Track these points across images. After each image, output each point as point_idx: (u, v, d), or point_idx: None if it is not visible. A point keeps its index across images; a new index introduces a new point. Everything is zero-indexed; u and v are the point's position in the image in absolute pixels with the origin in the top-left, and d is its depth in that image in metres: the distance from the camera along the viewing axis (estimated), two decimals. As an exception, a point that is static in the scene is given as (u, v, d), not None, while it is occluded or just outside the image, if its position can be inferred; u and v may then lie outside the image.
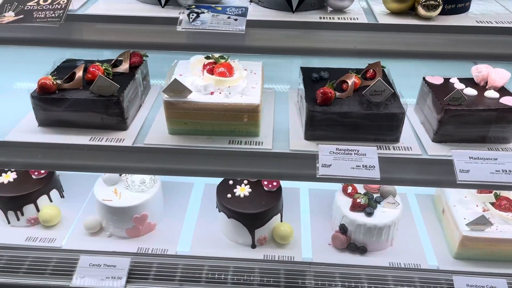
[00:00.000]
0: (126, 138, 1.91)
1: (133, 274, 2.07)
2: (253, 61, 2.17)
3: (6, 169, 2.34)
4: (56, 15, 1.68)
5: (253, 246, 2.22)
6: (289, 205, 2.43)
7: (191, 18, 1.61)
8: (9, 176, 2.30)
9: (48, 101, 1.90)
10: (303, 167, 1.85)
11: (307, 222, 2.39)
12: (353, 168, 1.76)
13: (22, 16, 1.68)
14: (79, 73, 1.98)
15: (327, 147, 1.81)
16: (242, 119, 1.90)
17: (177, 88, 1.86)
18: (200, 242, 2.25)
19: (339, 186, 2.36)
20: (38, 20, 1.66)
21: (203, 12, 1.64)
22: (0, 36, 1.69)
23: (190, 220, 2.39)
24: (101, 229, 2.28)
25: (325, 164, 1.78)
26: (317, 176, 1.75)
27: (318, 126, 1.89)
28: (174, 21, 1.62)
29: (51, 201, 2.35)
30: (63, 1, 1.74)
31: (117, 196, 2.18)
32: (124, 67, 2.10)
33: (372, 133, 1.87)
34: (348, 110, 1.83)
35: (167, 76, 2.12)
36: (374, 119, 1.83)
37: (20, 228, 2.30)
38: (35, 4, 1.74)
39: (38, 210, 2.29)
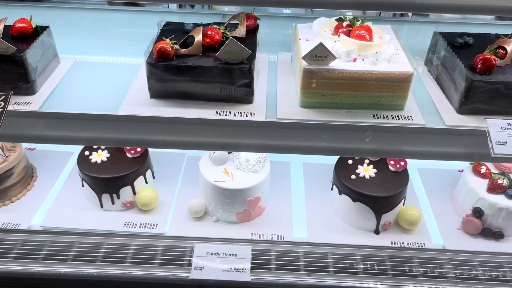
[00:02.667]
0: (256, 112, 1.67)
1: (254, 263, 1.87)
2: (381, 24, 1.93)
3: (96, 147, 2.11)
4: None
5: (377, 232, 2.02)
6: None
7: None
8: (101, 155, 2.06)
9: (167, 68, 1.64)
10: (463, 144, 1.63)
11: (426, 205, 2.19)
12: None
13: None
14: (198, 37, 1.71)
15: (498, 121, 1.57)
16: (391, 89, 1.66)
17: (319, 54, 1.61)
18: (316, 227, 2.04)
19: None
20: None
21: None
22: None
23: (298, 202, 2.18)
24: (205, 213, 2.07)
25: (499, 142, 1.55)
26: (492, 156, 1.53)
27: (477, 98, 1.65)
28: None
29: (146, 182, 2.12)
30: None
31: (229, 177, 1.95)
32: (241, 31, 1.84)
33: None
34: (515, 79, 1.59)
35: (293, 42, 1.87)
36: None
37: (115, 213, 2.08)
38: None
39: (134, 192, 2.07)
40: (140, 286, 1.85)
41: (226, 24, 1.89)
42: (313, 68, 1.64)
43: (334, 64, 1.65)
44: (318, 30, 1.83)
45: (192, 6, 2.90)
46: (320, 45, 1.61)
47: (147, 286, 1.85)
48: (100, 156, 2.06)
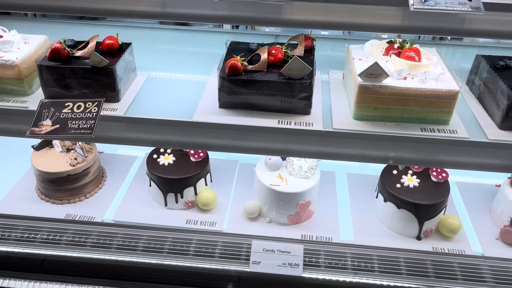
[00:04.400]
0: (314, 123, 1.87)
1: (305, 261, 2.04)
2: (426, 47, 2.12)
3: (163, 151, 2.34)
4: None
5: (419, 238, 2.17)
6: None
7: (421, -2, 1.56)
8: (168, 158, 2.29)
9: (237, 82, 1.87)
10: (505, 157, 1.79)
11: (465, 216, 2.33)
12: None
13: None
14: (264, 55, 1.94)
15: (541, 137, 1.74)
16: (438, 105, 1.84)
17: (374, 72, 1.81)
18: (362, 231, 2.21)
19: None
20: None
21: (433, -8, 1.58)
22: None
23: (343, 209, 2.35)
24: (259, 215, 2.26)
25: (541, 156, 1.71)
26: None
27: (519, 116, 1.82)
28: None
29: (206, 184, 2.34)
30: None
31: (283, 182, 2.15)
32: (300, 50, 2.06)
33: None
34: None
35: (347, 61, 2.08)
36: None
37: (177, 211, 2.30)
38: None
39: (196, 193, 2.28)
40: (202, 276, 2.05)
41: (286, 44, 2.11)
42: (368, 84, 1.84)
43: (387, 81, 1.85)
44: (370, 51, 2.04)
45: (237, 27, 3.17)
46: (375, 64, 1.81)
47: (208, 277, 2.04)
48: (167, 159, 2.29)
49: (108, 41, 2.00)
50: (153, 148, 2.38)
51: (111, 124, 1.88)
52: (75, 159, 2.26)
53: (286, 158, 2.25)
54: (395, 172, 2.23)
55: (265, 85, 1.89)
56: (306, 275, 1.98)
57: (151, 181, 2.28)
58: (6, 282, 2.12)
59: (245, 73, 1.92)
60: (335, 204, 2.38)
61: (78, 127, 1.78)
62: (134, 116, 1.88)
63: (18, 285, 2.11)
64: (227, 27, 3.33)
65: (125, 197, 2.37)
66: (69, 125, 1.79)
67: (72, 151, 2.32)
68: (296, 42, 2.11)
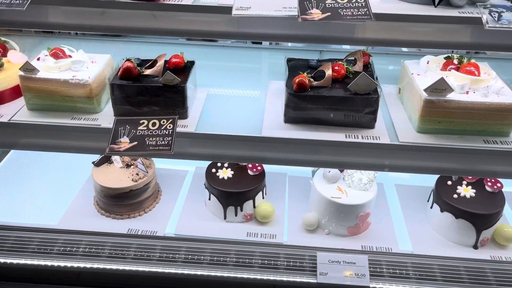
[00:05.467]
0: (380, 136, 1.93)
1: (370, 271, 2.09)
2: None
3: (221, 165, 2.39)
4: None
5: (475, 247, 2.22)
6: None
7: (494, 17, 1.64)
8: (227, 172, 2.34)
9: (305, 98, 1.93)
10: None
11: (514, 224, 2.39)
12: None
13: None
14: (328, 71, 2.00)
15: None
16: (499, 118, 1.91)
17: (439, 87, 1.88)
18: (418, 241, 2.26)
19: None
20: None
21: (503, 12, 1.66)
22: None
23: (397, 218, 2.41)
24: (317, 227, 2.31)
25: None
26: None
27: None
28: (449, 19, 1.68)
29: (263, 197, 2.39)
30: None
31: (344, 194, 2.20)
32: (359, 66, 2.13)
33: None
34: None
35: (400, 76, 2.16)
36: None
37: (236, 224, 2.34)
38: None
39: (254, 206, 2.33)
40: (268, 288, 2.10)
41: (344, 60, 2.19)
42: (434, 99, 1.91)
43: (451, 96, 1.92)
44: (426, 66, 2.11)
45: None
46: (441, 79, 1.89)
47: (274, 289, 2.09)
48: (225, 173, 2.35)
49: (174, 60, 2.07)
50: (210, 162, 2.44)
51: (183, 141, 1.93)
52: (137, 174, 2.31)
53: (345, 171, 2.31)
54: (449, 182, 2.29)
55: (333, 100, 1.96)
56: (373, 285, 2.03)
57: (211, 195, 2.33)
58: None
59: (311, 89, 1.99)
60: (389, 214, 2.43)
61: (156, 144, 1.84)
62: (204, 132, 1.94)
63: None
64: (265, 43, 3.42)
65: (183, 211, 2.41)
66: (147, 142, 1.84)
67: (132, 166, 2.38)
68: (353, 58, 2.19)
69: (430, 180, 2.60)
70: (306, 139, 1.90)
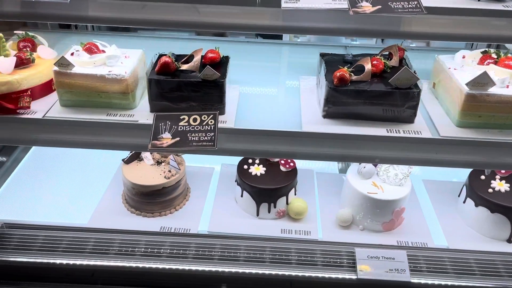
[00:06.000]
0: (421, 131, 1.92)
1: (410, 266, 2.08)
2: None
3: (252, 161, 2.37)
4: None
5: (509, 240, 2.23)
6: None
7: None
8: (259, 169, 2.32)
9: (346, 92, 1.92)
10: None
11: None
12: None
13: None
14: (368, 66, 1.99)
15: None
16: (540, 112, 1.91)
17: (481, 81, 1.87)
18: (452, 235, 2.27)
19: None
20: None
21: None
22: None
23: (429, 213, 2.41)
24: (351, 222, 2.30)
25: None
26: None
27: None
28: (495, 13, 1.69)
29: (295, 194, 2.37)
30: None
31: (379, 189, 2.19)
32: (396, 60, 2.11)
33: None
34: None
35: (434, 71, 2.16)
36: None
37: (269, 221, 2.32)
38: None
39: (287, 202, 2.31)
40: (307, 285, 2.07)
41: (379, 54, 2.17)
42: (476, 93, 1.90)
43: (492, 90, 1.92)
44: (462, 61, 2.11)
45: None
46: (484, 73, 1.88)
47: (313, 285, 2.07)
48: (258, 169, 2.32)
49: (210, 55, 2.03)
50: (240, 159, 2.41)
51: (223, 136, 1.90)
52: (169, 171, 2.28)
53: (380, 166, 2.30)
54: (483, 177, 2.30)
55: (374, 95, 1.94)
56: (414, 280, 2.03)
57: (243, 191, 2.31)
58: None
59: (351, 83, 1.98)
60: (420, 210, 2.43)
61: (199, 140, 1.81)
62: (244, 127, 1.92)
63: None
64: (286, 38, 3.40)
65: (214, 208, 2.39)
66: (190, 138, 1.81)
67: (163, 163, 2.34)
68: (387, 53, 2.18)
69: (456, 175, 2.62)
70: (349, 133, 1.89)
